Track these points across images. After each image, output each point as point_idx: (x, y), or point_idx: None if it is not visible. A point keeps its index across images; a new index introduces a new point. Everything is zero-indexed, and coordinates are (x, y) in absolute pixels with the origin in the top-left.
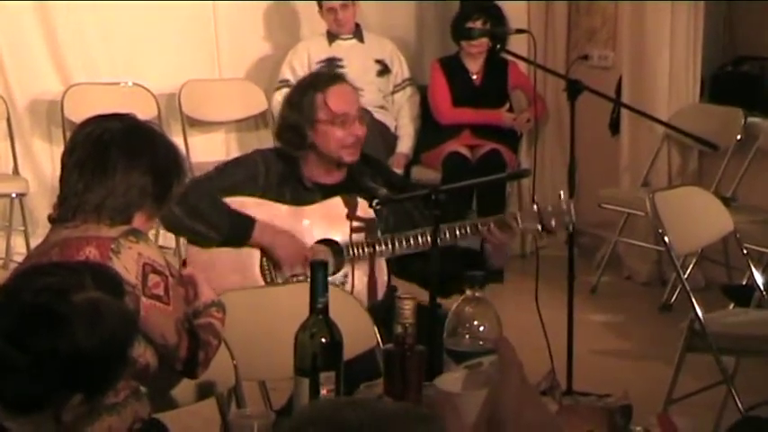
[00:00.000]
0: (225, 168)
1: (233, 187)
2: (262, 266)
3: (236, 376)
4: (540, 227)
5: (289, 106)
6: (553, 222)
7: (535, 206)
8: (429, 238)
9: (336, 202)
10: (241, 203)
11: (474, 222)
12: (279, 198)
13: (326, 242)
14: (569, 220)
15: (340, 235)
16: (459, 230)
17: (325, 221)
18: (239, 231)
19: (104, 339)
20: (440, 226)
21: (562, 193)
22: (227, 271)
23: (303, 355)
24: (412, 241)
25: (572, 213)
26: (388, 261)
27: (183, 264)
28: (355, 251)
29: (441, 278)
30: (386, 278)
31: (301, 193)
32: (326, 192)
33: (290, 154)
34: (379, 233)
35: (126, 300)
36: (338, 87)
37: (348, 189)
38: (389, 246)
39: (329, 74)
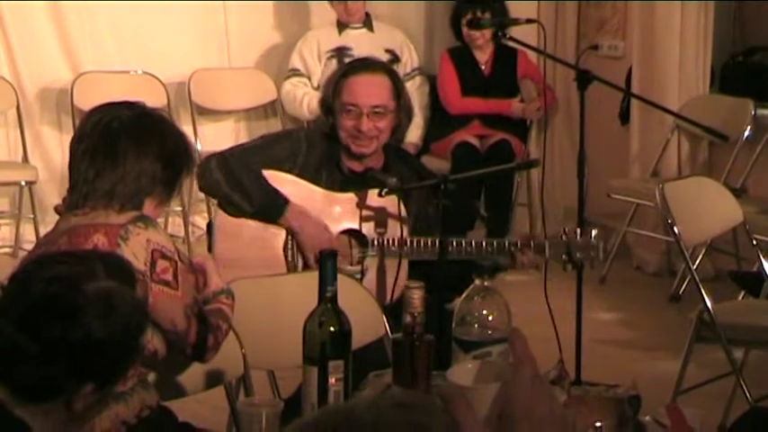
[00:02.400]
0: (269, 140)
1: (273, 160)
2: (285, 245)
3: (245, 365)
4: (566, 258)
5: (323, 86)
6: (579, 255)
7: (564, 236)
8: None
9: (364, 195)
10: (279, 179)
11: (502, 242)
12: (315, 180)
13: (352, 232)
14: (595, 255)
15: (365, 228)
16: (487, 247)
17: (352, 213)
18: (272, 209)
19: (116, 329)
20: (468, 241)
21: (594, 230)
22: (250, 243)
23: (312, 345)
24: (431, 248)
25: (600, 250)
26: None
27: (207, 229)
28: (380, 245)
29: (448, 280)
30: (403, 278)
31: (336, 178)
32: (360, 180)
33: (332, 135)
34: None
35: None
36: (360, 78)
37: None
38: (412, 247)
39: (362, 61)
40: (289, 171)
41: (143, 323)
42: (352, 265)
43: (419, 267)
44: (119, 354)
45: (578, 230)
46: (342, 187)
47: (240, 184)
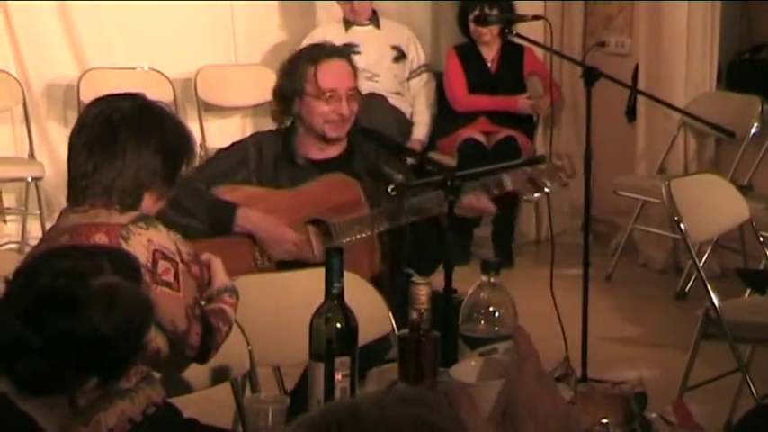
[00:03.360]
0: (214, 157)
1: (221, 174)
2: (253, 256)
3: (251, 361)
4: (529, 185)
5: (282, 72)
6: (546, 181)
7: (528, 169)
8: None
9: (327, 181)
10: (237, 193)
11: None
12: (275, 181)
13: (316, 222)
14: (565, 176)
15: (332, 213)
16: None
17: (319, 201)
18: (222, 219)
19: (121, 324)
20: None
21: (558, 154)
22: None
23: (318, 341)
24: (396, 213)
25: (567, 168)
26: (379, 238)
27: None
28: (343, 227)
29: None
30: (378, 253)
31: (296, 172)
32: (321, 168)
33: (284, 131)
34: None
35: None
36: (332, 62)
37: (344, 164)
38: (373, 219)
39: (327, 47)
40: (246, 181)
41: (148, 319)
42: (318, 255)
43: (392, 241)
44: (123, 349)
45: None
46: (304, 179)
47: (183, 206)
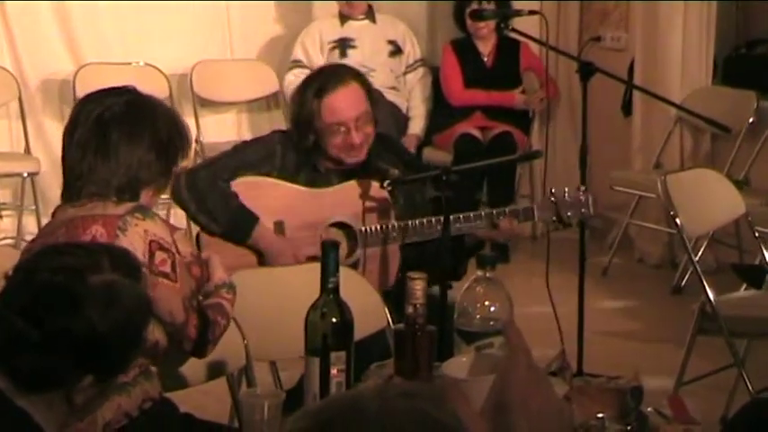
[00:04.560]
0: (243, 147)
1: (249, 165)
2: (258, 259)
3: (247, 356)
4: (555, 219)
5: (293, 102)
6: (569, 214)
7: (552, 198)
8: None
9: (352, 186)
10: (258, 183)
11: (489, 212)
12: (294, 180)
13: (340, 225)
14: (586, 212)
15: (356, 218)
16: (475, 220)
17: (341, 205)
18: (239, 231)
19: (118, 322)
20: (456, 215)
21: (582, 187)
22: (239, 252)
23: (314, 335)
24: (425, 228)
25: (590, 206)
26: (401, 248)
27: (197, 238)
28: (368, 234)
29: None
30: (398, 264)
31: (316, 177)
32: (342, 176)
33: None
34: (393, 217)
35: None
36: (337, 93)
37: (364, 172)
38: (402, 231)
39: (333, 74)
40: (267, 174)
41: (146, 317)
42: (346, 257)
43: (411, 251)
44: (120, 347)
45: (566, 189)
46: (324, 184)
47: (206, 205)
